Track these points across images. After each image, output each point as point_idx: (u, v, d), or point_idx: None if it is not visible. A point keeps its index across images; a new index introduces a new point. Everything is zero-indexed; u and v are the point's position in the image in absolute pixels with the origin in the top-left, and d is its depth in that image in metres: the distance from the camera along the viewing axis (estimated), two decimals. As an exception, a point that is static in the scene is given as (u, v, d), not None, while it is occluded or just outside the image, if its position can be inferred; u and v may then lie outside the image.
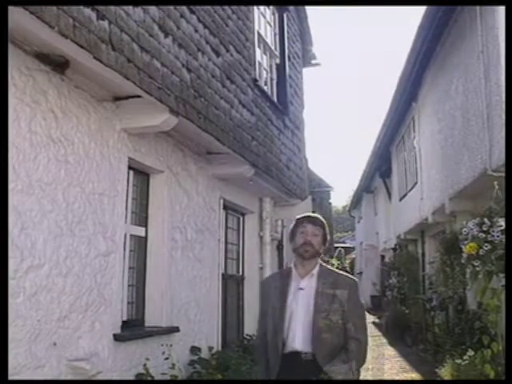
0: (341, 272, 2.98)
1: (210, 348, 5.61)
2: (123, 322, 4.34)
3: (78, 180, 3.75)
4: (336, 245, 30.73)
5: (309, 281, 2.78)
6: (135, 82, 3.72)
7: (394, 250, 14.19)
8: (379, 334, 12.80)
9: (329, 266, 2.97)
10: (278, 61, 7.83)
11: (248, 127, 6.01)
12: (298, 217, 2.93)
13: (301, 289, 2.76)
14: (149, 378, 4.22)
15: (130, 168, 4.50)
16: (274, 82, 7.70)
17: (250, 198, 7.30)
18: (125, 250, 4.43)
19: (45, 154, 3.42)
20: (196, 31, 4.83)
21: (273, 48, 7.68)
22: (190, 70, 4.61)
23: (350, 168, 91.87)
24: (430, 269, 9.96)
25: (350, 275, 2.94)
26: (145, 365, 4.23)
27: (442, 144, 8.61)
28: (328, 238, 2.92)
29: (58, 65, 3.49)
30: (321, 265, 2.86)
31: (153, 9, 4.05)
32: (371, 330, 13.41)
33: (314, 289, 2.75)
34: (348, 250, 30.48)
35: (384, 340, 11.78)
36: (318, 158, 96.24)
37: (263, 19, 7.34)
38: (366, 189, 20.21)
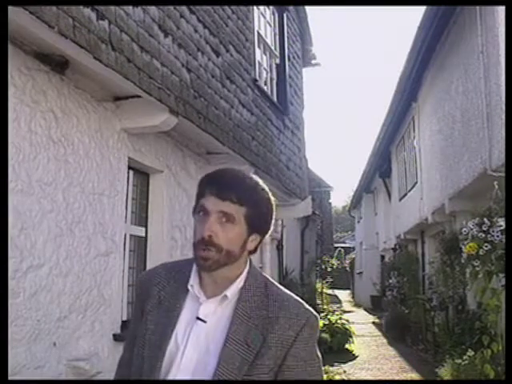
0: (289, 294, 1.46)
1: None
2: (123, 321, 4.34)
3: (78, 180, 3.75)
4: (336, 245, 30.80)
5: (218, 308, 1.41)
6: (135, 81, 3.71)
7: (394, 250, 14.20)
8: (379, 333, 12.80)
9: (267, 276, 1.50)
10: (277, 61, 7.83)
11: (248, 127, 6.01)
12: (205, 175, 1.50)
13: (200, 320, 1.40)
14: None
15: (129, 168, 4.50)
16: (274, 81, 7.70)
17: (249, 198, 7.29)
18: (125, 249, 4.43)
19: (45, 154, 3.42)
20: (196, 31, 4.83)
21: (273, 48, 7.68)
22: (189, 70, 4.61)
23: (350, 168, 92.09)
24: (430, 269, 9.96)
25: (305, 305, 1.44)
26: (145, 365, 4.22)
27: (442, 144, 8.61)
28: (270, 219, 1.45)
29: (58, 65, 3.49)
30: (249, 275, 1.45)
31: (153, 9, 4.05)
32: (371, 330, 13.42)
33: (226, 325, 1.38)
34: (348, 250, 30.54)
35: (384, 340, 11.78)
36: (318, 157, 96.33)
37: (263, 19, 7.34)
38: (365, 189, 20.22)
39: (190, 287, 1.44)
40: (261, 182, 1.45)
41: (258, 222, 1.42)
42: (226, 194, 1.37)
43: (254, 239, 1.44)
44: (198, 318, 1.41)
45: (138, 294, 1.59)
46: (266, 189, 1.45)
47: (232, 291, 1.41)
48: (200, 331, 1.40)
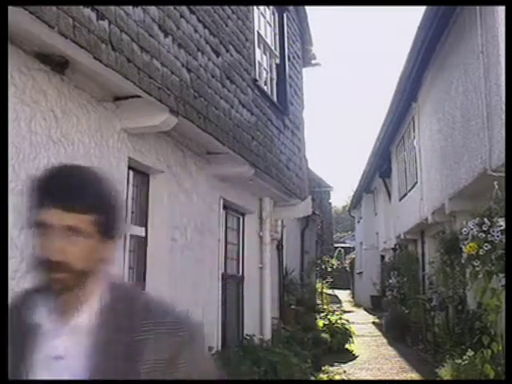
0: (162, 306, 1.22)
1: (210, 348, 5.59)
2: (123, 322, 4.34)
3: (78, 180, 3.74)
4: (336, 245, 30.81)
5: (75, 339, 1.15)
6: (135, 81, 3.71)
7: (394, 250, 14.20)
8: (379, 333, 12.80)
9: (130, 286, 1.42)
10: (277, 61, 7.83)
11: (248, 127, 6.01)
12: (38, 180, 1.16)
13: (59, 358, 1.14)
14: (149, 378, 4.21)
15: (129, 168, 4.50)
16: (274, 81, 7.71)
17: (249, 198, 7.29)
18: (125, 250, 4.43)
19: (45, 154, 3.41)
20: (196, 31, 4.83)
21: (273, 48, 7.68)
22: (189, 70, 4.61)
23: (350, 168, 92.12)
24: (430, 269, 9.97)
25: (181, 316, 1.22)
26: (145, 365, 4.22)
27: (442, 144, 8.61)
28: (121, 216, 1.22)
29: (58, 65, 3.49)
30: (108, 291, 1.20)
31: (153, 9, 4.05)
32: (371, 330, 13.42)
33: (87, 359, 1.13)
34: (348, 250, 30.54)
35: (384, 340, 11.78)
36: (318, 157, 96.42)
37: (263, 19, 7.34)
38: (365, 189, 20.23)
39: (36, 320, 1.18)
40: (100, 174, 1.21)
41: (111, 226, 1.18)
42: (69, 203, 1.11)
43: (109, 246, 1.20)
44: (57, 358, 1.14)
45: (15, 325, 1.25)
46: (110, 184, 1.21)
47: (87, 316, 1.15)
48: (61, 371, 1.12)
